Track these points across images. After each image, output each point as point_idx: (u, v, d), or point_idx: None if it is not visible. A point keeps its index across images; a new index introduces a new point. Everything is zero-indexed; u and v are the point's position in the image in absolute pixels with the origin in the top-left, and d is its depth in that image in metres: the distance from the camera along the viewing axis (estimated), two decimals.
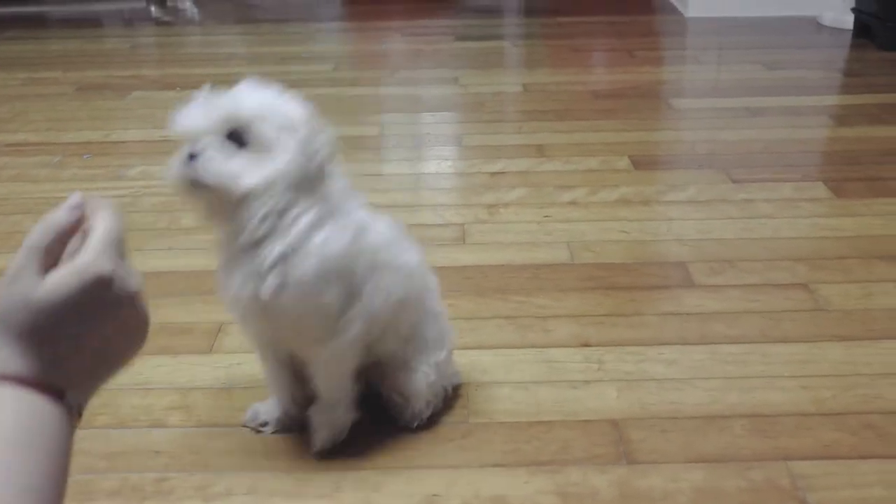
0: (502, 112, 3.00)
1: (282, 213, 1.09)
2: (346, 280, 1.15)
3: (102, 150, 2.56)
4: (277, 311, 1.13)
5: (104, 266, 0.64)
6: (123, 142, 2.66)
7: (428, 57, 3.79)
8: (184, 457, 1.28)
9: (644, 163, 2.39)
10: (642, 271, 1.80)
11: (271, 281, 1.10)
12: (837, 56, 3.65)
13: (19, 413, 0.60)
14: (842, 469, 1.22)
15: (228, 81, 1.13)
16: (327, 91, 3.16)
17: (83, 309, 0.63)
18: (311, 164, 1.10)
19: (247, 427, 1.33)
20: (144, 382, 1.45)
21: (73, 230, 0.67)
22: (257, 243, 1.11)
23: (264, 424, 1.32)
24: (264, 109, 1.09)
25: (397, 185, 2.31)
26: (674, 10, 4.41)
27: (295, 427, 1.31)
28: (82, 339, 0.64)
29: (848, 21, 3.84)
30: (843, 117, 2.80)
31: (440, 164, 2.48)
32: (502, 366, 1.48)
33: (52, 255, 0.65)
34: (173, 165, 1.10)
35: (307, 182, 1.10)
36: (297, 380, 1.29)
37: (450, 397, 1.37)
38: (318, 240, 1.11)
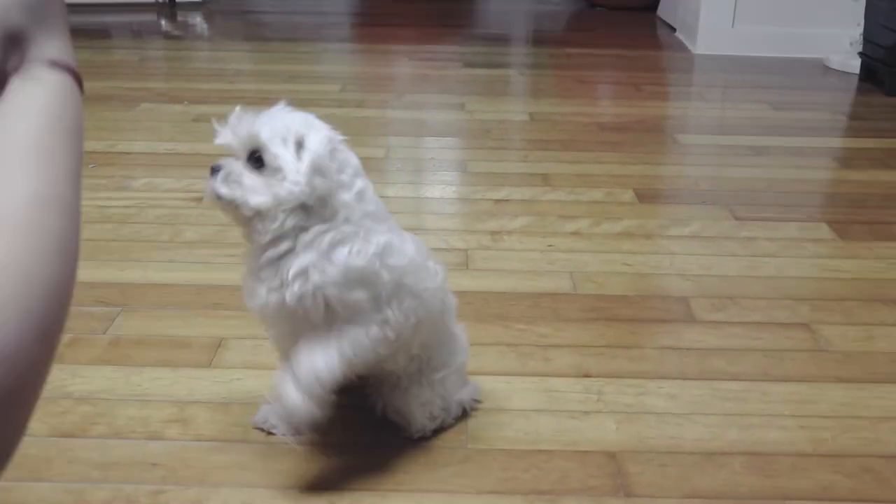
0: (508, 140, 3.01)
1: (298, 232, 1.14)
2: (371, 287, 1.17)
3: (108, 161, 2.56)
4: (305, 314, 1.16)
5: None
6: (129, 153, 2.67)
7: (435, 82, 3.80)
8: (180, 470, 1.27)
9: (648, 196, 2.39)
10: (644, 304, 1.80)
11: (297, 288, 1.14)
12: (844, 99, 3.67)
13: (76, 104, 0.68)
14: None
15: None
16: (334, 111, 3.16)
17: None
18: (322, 188, 1.13)
19: (257, 428, 1.34)
20: (142, 394, 1.44)
21: None
22: (280, 257, 1.15)
23: (275, 427, 1.33)
24: (282, 133, 1.13)
25: (401, 208, 2.31)
26: (682, 47, 4.44)
27: (305, 431, 1.31)
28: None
29: (855, 65, 3.86)
30: (847, 160, 2.81)
31: (445, 188, 2.49)
32: (502, 393, 1.48)
33: None
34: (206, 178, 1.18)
35: (321, 204, 1.14)
36: None
37: (458, 416, 1.38)
38: (341, 254, 1.14)
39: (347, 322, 1.17)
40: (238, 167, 1.15)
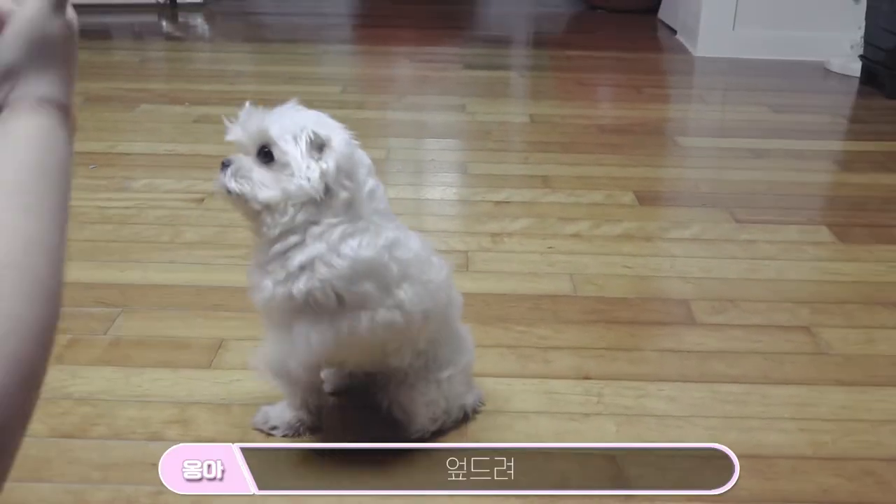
0: (508, 141, 3.01)
1: (305, 227, 1.16)
2: (379, 279, 1.19)
3: (108, 161, 2.56)
4: (315, 306, 1.17)
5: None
6: (129, 154, 2.66)
7: (435, 84, 3.80)
8: None
9: (648, 198, 2.39)
10: (644, 307, 1.80)
11: (303, 281, 1.16)
12: (844, 102, 3.67)
13: (61, 142, 0.68)
14: None
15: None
16: (335, 113, 3.10)
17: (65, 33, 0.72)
18: (330, 184, 1.15)
19: (257, 429, 1.35)
20: (143, 395, 1.44)
21: None
22: (286, 251, 1.17)
23: (274, 428, 1.34)
24: (292, 130, 1.16)
25: (402, 210, 2.30)
26: (682, 49, 4.44)
27: (305, 433, 1.32)
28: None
29: (856, 68, 3.86)
30: (848, 163, 2.81)
31: (445, 190, 2.49)
32: (502, 394, 1.47)
33: None
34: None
35: (328, 200, 1.15)
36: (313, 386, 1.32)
37: (458, 420, 1.38)
38: (350, 246, 1.16)
39: (356, 310, 1.18)
40: (248, 162, 1.17)
